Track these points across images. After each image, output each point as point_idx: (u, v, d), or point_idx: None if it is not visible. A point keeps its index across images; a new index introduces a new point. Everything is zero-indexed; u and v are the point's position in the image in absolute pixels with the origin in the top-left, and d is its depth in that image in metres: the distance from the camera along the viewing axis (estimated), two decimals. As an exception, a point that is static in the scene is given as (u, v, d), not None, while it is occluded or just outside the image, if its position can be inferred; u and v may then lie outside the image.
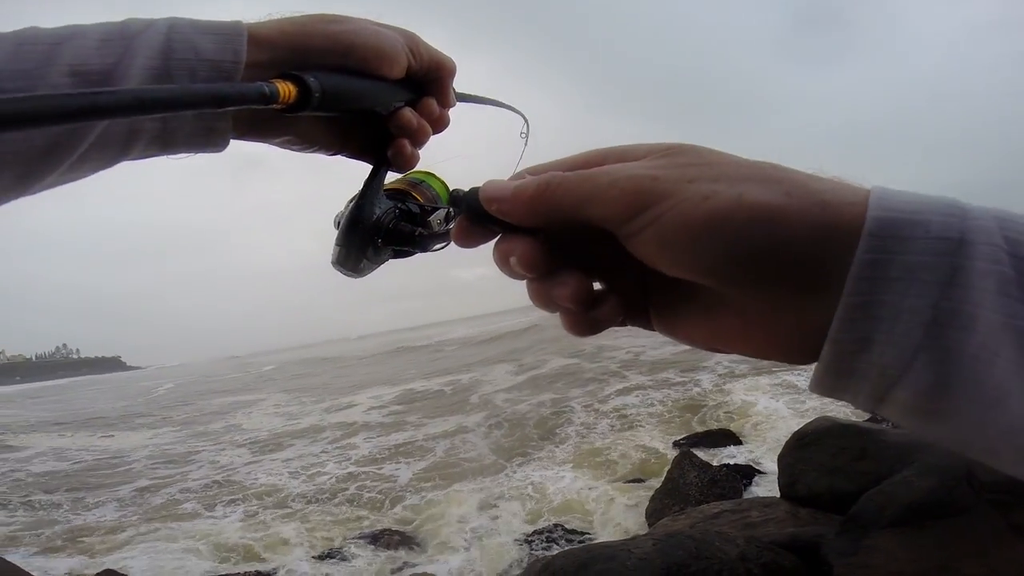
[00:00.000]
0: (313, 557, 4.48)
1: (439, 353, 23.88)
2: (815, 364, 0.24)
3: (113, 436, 12.27)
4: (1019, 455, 0.21)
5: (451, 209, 0.38)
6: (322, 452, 8.04)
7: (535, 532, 4.34)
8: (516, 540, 4.29)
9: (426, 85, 0.45)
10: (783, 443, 4.40)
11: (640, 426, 6.71)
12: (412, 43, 0.42)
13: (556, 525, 4.39)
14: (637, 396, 8.21)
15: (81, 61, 0.33)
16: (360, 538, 4.69)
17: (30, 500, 6.97)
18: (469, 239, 0.32)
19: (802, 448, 3.16)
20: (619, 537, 3.99)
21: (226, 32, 0.37)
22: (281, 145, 0.43)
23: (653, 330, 0.31)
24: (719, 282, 0.25)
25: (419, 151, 0.45)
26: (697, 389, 8.07)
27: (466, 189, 0.33)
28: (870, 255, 0.21)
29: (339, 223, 0.40)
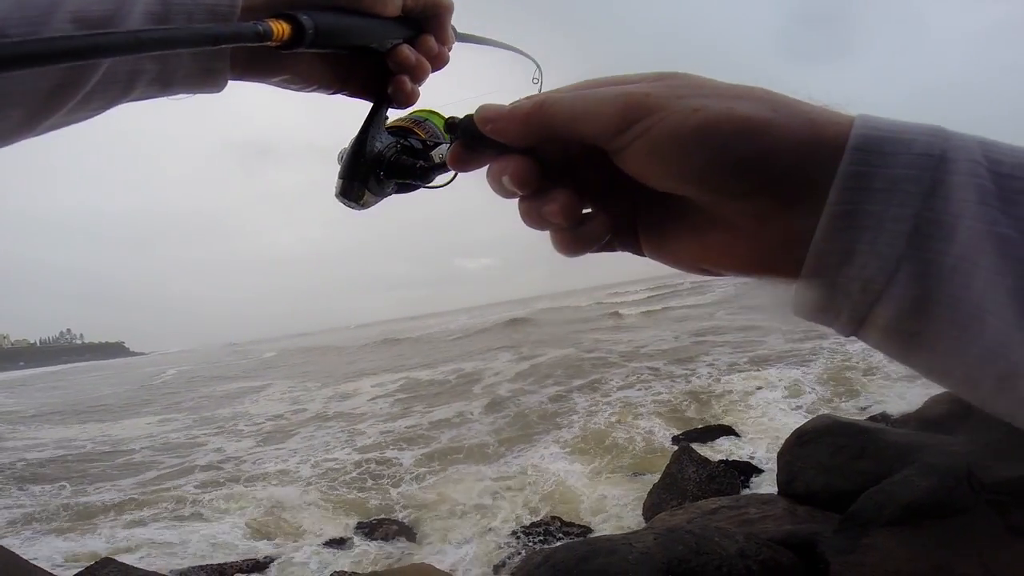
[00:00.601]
0: (317, 545, 4.55)
1: (439, 343, 23.96)
2: (796, 285, 0.25)
3: (122, 423, 12.36)
4: (999, 383, 0.21)
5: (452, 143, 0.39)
6: (331, 439, 8.12)
7: (532, 524, 4.39)
8: (514, 532, 4.34)
9: (423, 22, 0.45)
10: (780, 438, 4.44)
11: (639, 418, 6.77)
12: None
13: (554, 517, 4.44)
14: (637, 389, 8.26)
15: (81, 8, 0.33)
16: (360, 527, 4.75)
17: (35, 489, 7.05)
18: (464, 163, 0.32)
19: (802, 446, 3.19)
20: (615, 530, 4.04)
21: None
22: (280, 84, 0.43)
23: (642, 254, 0.32)
24: (707, 192, 0.25)
25: (419, 88, 0.45)
26: (697, 381, 8.13)
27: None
28: (854, 167, 0.22)
29: (342, 158, 0.41)
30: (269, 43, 0.33)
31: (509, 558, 4.02)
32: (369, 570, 3.94)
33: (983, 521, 1.92)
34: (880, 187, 0.22)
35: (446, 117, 0.41)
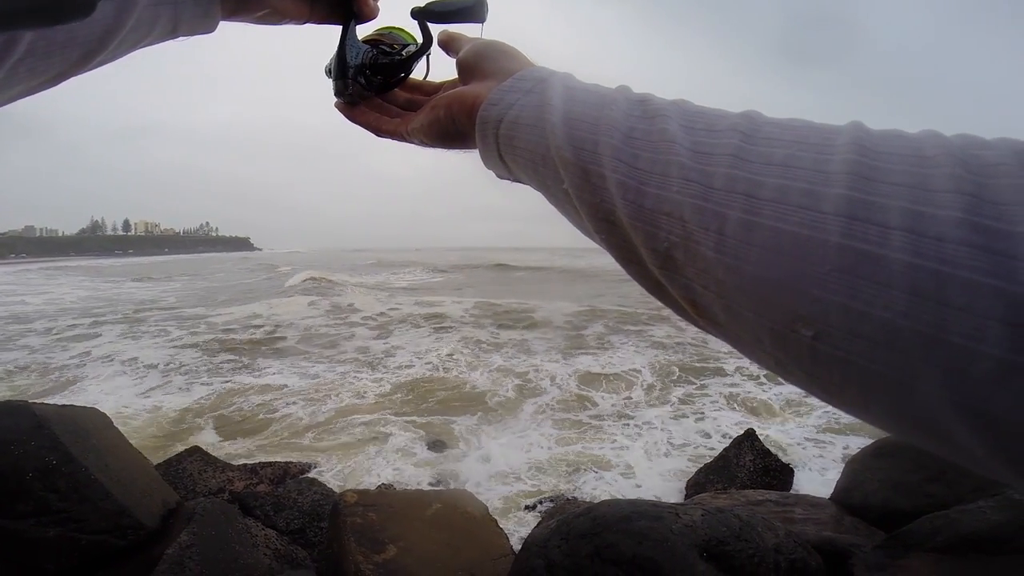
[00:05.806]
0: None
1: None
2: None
3: (272, 305, 16.83)
4: (552, 177, 0.39)
5: (418, 43, 0.57)
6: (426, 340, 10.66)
7: (573, 470, 4.86)
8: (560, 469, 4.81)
9: None
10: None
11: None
12: None
13: (594, 469, 4.87)
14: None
15: None
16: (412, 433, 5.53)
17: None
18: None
19: (877, 457, 3.15)
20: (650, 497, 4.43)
21: None
22: (259, 21, 0.56)
23: None
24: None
25: (378, 3, 0.58)
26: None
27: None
28: (508, 83, 0.45)
29: (329, 70, 0.57)
30: None
31: (540, 502, 4.52)
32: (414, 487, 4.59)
33: (1031, 565, 1.95)
34: (511, 88, 0.44)
35: (412, 35, 0.58)
